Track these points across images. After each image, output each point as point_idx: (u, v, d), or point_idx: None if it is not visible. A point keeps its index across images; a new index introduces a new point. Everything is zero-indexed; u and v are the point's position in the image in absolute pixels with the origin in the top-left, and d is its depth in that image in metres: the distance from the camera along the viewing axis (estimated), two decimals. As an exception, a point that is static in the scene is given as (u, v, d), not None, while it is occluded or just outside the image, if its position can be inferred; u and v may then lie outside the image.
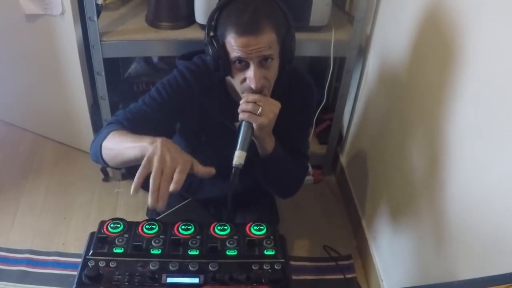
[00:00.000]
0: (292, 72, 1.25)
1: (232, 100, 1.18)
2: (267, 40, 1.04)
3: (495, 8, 0.95)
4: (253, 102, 1.06)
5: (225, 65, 1.08)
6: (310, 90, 1.30)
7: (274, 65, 1.10)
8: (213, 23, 1.09)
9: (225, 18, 1.06)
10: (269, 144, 1.15)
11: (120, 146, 0.99)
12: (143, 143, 0.92)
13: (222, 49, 1.07)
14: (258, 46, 1.04)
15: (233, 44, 1.04)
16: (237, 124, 1.12)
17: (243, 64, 1.06)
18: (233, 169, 1.05)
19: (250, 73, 1.06)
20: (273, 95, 1.13)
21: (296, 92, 1.26)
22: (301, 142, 1.35)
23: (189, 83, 1.19)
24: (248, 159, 1.07)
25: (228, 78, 1.14)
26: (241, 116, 1.08)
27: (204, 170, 0.93)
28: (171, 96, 1.18)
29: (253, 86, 1.07)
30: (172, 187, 0.86)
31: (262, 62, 1.06)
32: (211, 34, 1.10)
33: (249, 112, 1.06)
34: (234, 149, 1.06)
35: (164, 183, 0.87)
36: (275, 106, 1.09)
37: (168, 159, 0.88)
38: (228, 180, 1.05)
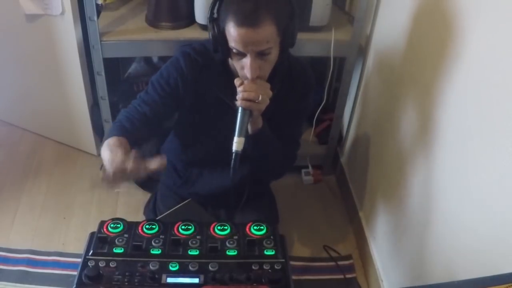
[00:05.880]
0: (294, 61, 1.28)
1: (234, 77, 1.19)
2: (266, 34, 1.04)
3: (494, 8, 0.95)
4: (254, 91, 1.09)
5: (224, 49, 1.10)
6: (309, 81, 1.32)
7: (273, 55, 1.10)
8: (216, 6, 1.09)
9: (227, 3, 1.06)
10: (259, 121, 1.18)
11: None
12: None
13: (222, 34, 1.08)
14: (256, 40, 1.04)
15: (232, 33, 1.05)
16: (236, 102, 1.14)
17: (241, 53, 1.07)
18: (233, 154, 1.09)
19: (246, 62, 1.08)
20: (274, 81, 1.15)
21: (296, 81, 1.28)
22: (295, 129, 1.39)
23: (180, 67, 1.22)
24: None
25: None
26: (242, 104, 1.10)
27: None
28: (164, 88, 1.23)
29: (249, 76, 1.09)
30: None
31: (259, 54, 1.07)
32: (214, 16, 1.10)
33: (250, 100, 1.09)
34: (233, 135, 1.10)
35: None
36: (268, 89, 1.12)
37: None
38: (226, 167, 1.11)
